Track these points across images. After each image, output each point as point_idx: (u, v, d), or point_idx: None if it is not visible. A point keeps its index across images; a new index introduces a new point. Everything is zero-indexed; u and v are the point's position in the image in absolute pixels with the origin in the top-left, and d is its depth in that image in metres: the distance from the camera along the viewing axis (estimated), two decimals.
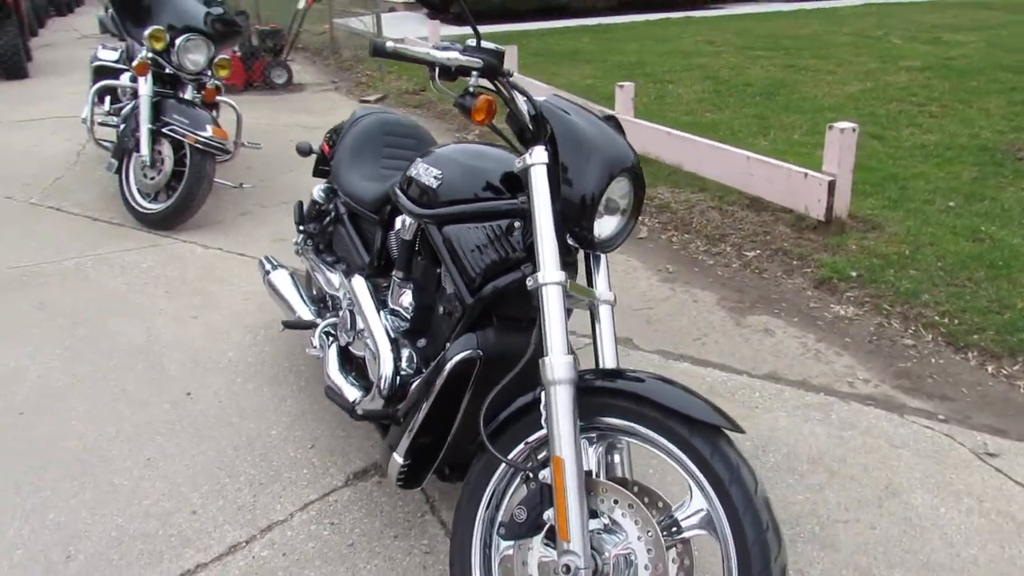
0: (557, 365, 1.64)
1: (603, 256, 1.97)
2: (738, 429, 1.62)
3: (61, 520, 2.28)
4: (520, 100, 1.86)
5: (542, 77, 7.45)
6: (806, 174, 4.10)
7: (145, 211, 4.54)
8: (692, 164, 4.91)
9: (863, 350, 3.22)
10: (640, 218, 3.62)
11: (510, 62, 7.17)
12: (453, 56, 1.80)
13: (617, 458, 1.79)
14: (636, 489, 1.71)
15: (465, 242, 1.97)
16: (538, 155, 1.80)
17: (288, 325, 2.70)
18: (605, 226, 1.85)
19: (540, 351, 1.68)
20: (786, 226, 4.33)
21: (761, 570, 1.46)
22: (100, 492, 2.39)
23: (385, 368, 2.15)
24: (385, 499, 2.36)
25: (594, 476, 1.74)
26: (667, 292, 3.79)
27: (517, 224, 1.92)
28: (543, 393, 1.67)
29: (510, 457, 1.77)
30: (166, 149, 4.48)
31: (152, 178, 4.51)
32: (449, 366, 1.88)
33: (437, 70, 1.82)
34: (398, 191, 2.21)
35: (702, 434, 1.58)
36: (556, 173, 1.79)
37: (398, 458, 1.98)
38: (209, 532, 2.24)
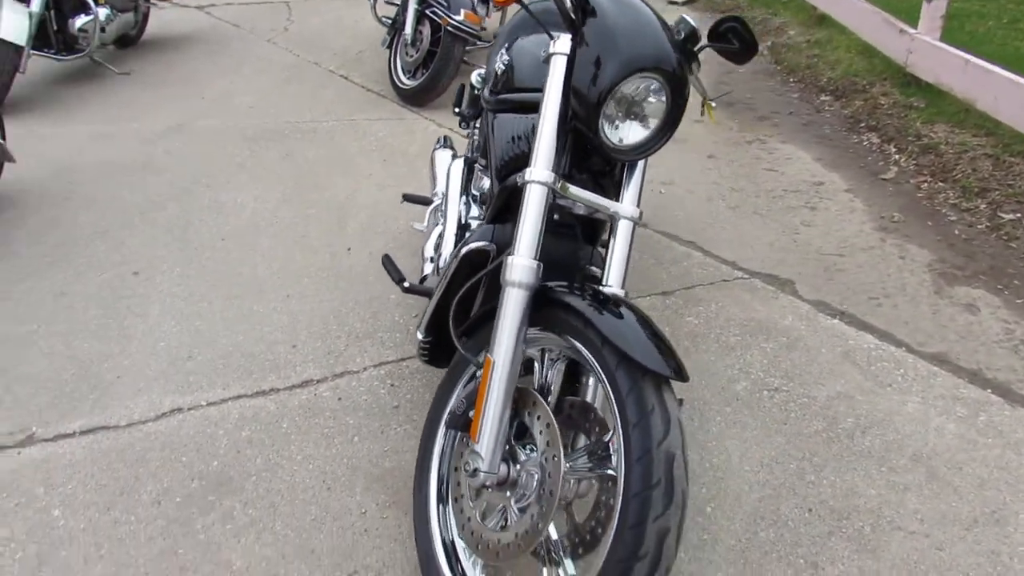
0: (517, 266, 1.58)
1: (639, 167, 1.80)
2: (679, 377, 1.44)
3: (201, 328, 2.73)
4: None
5: None
6: None
7: (402, 86, 4.95)
8: (986, 102, 4.05)
9: None
10: (885, 144, 3.06)
11: None
12: None
13: (591, 381, 1.68)
14: (592, 416, 1.61)
15: (504, 130, 1.92)
16: (560, 44, 1.68)
17: (407, 198, 2.85)
18: (628, 133, 1.68)
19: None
20: None
21: (634, 525, 1.33)
22: (239, 313, 2.81)
23: (445, 248, 2.21)
24: None
25: (547, 391, 1.68)
26: (874, 242, 3.28)
27: None
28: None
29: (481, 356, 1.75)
30: (426, 29, 4.80)
31: (411, 56, 4.89)
32: (463, 251, 1.89)
33: None
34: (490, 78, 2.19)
35: (629, 370, 1.43)
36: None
37: (418, 333, 2.06)
38: (295, 365, 2.53)
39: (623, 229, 1.75)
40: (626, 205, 1.76)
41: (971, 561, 1.82)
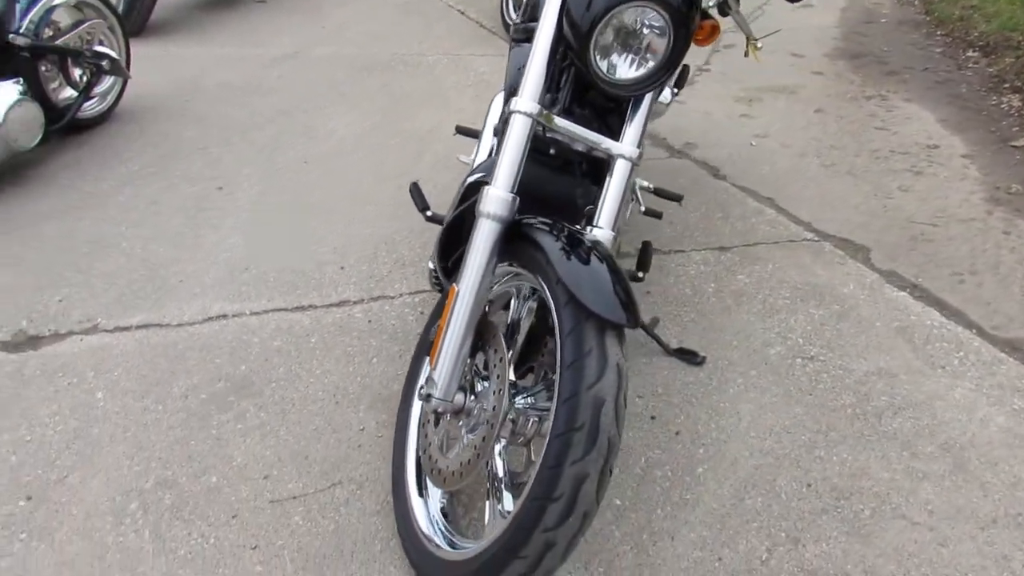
0: (491, 198, 1.56)
1: (644, 105, 1.70)
2: (630, 324, 1.38)
3: (264, 243, 2.88)
4: None
5: None
6: None
7: (512, 23, 4.90)
8: None
9: None
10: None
11: None
12: None
13: None
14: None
15: (515, 61, 1.88)
16: None
17: (459, 130, 2.84)
18: (624, 67, 1.60)
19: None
20: None
21: (551, 466, 1.31)
22: (301, 232, 2.94)
23: (471, 177, 2.20)
24: None
25: (517, 328, 1.66)
26: (978, 213, 2.97)
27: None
28: None
29: None
30: None
31: None
32: (467, 182, 1.88)
33: None
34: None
35: (574, 310, 1.38)
36: None
37: (430, 262, 2.08)
38: (336, 285, 2.63)
39: (619, 169, 1.68)
40: (624, 144, 1.68)
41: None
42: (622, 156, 1.67)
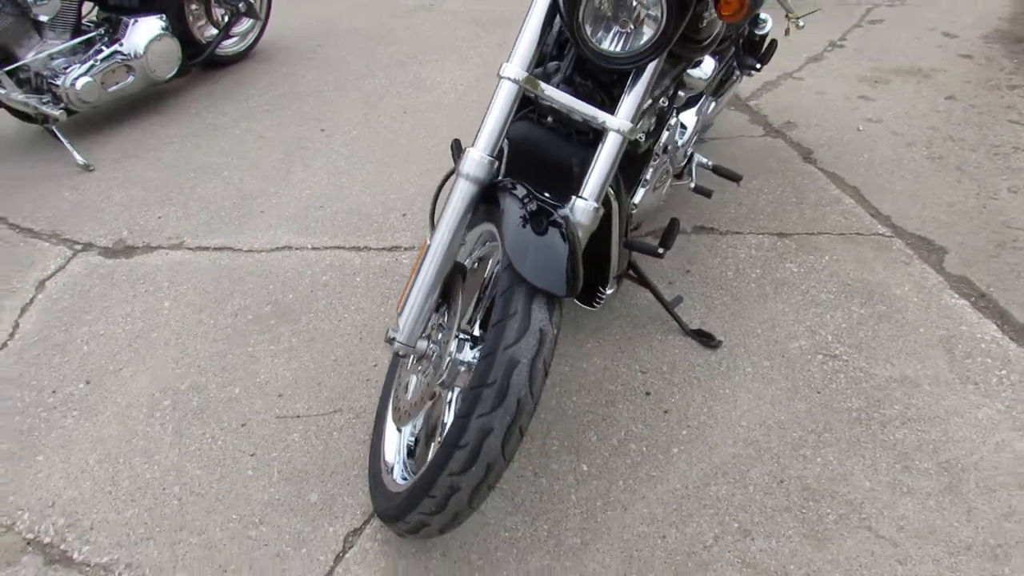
0: (469, 159, 1.63)
1: (644, 79, 1.69)
2: (565, 293, 1.41)
3: (343, 184, 3.08)
4: None
5: None
6: None
7: None
8: None
9: None
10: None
11: None
12: None
13: None
14: None
15: None
16: None
17: None
18: (607, 38, 1.59)
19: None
20: None
21: (461, 416, 1.39)
22: (379, 178, 3.11)
23: None
24: None
25: (489, 285, 1.73)
26: None
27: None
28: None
29: None
30: None
31: None
32: None
33: None
34: None
35: (512, 273, 1.44)
36: None
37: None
38: (394, 231, 2.78)
39: (610, 142, 1.68)
40: (617, 117, 1.67)
41: None
42: (612, 129, 1.67)
